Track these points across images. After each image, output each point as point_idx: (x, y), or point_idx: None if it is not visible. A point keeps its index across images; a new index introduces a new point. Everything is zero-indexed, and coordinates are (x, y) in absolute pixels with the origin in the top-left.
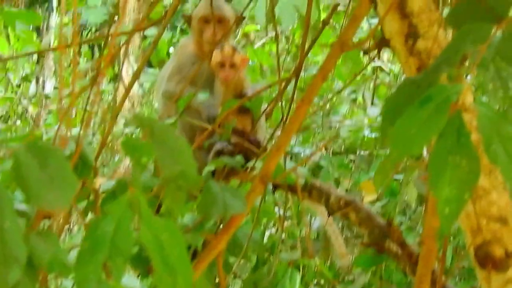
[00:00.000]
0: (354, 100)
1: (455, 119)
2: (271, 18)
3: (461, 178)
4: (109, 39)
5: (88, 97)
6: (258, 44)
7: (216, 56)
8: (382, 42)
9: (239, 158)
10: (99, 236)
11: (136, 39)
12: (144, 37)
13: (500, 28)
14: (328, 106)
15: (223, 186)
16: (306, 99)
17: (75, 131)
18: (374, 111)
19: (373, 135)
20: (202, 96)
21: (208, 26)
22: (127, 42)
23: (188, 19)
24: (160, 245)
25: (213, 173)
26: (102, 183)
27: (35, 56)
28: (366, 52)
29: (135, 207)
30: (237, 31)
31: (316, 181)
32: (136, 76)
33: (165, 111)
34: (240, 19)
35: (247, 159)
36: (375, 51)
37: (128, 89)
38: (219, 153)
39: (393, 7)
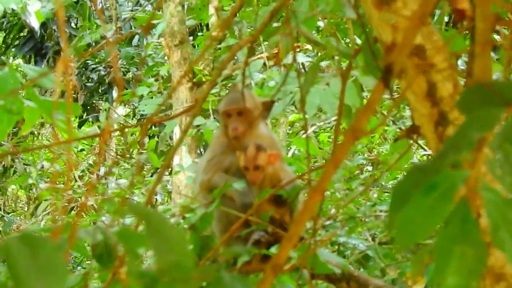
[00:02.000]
0: None
1: (460, 207)
2: (302, 107)
3: (467, 267)
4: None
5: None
6: (309, 132)
7: (241, 161)
8: (412, 129)
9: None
10: None
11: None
12: (197, 127)
13: (509, 113)
14: (375, 195)
15: (234, 276)
16: (318, 188)
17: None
18: None
19: None
20: (238, 185)
21: (230, 120)
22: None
23: (217, 113)
24: None
25: (249, 262)
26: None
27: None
28: (396, 140)
29: None
30: (282, 120)
31: (354, 270)
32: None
33: (203, 202)
34: (269, 105)
35: None
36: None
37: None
38: (257, 243)
39: (422, 94)
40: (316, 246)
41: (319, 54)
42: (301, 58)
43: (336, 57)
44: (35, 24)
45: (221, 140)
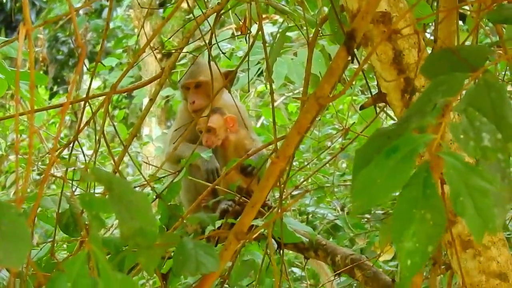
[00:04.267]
0: None
1: (422, 171)
2: (268, 74)
3: (425, 232)
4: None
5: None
6: (277, 103)
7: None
8: (378, 97)
9: None
10: None
11: (158, 100)
12: (166, 97)
13: (473, 78)
14: (344, 165)
15: (197, 243)
16: (281, 155)
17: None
18: None
19: None
20: (205, 155)
21: (189, 93)
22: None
23: (179, 87)
24: None
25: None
26: None
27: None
28: (362, 108)
29: (93, 263)
30: (250, 91)
31: (322, 239)
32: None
33: (170, 171)
34: (232, 75)
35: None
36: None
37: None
38: (225, 213)
39: (388, 62)
40: (281, 212)
41: (287, 24)
42: (269, 28)
43: (303, 27)
44: None
45: (186, 112)
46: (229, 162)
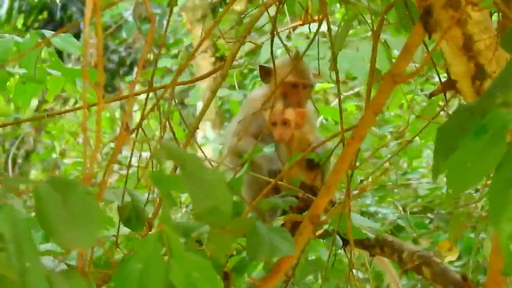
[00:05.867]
0: None
1: None
2: (334, 67)
3: None
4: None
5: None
6: (334, 103)
7: (268, 117)
8: (448, 84)
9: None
10: (127, 276)
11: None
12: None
13: None
14: (405, 164)
15: (271, 228)
16: (356, 136)
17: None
18: None
19: None
20: (267, 150)
21: (294, 91)
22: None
23: (266, 72)
24: (192, 285)
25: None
26: None
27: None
28: (432, 95)
29: (165, 243)
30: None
31: (388, 236)
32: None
33: (231, 166)
34: (297, 62)
35: None
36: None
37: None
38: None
39: (458, 47)
40: (349, 210)
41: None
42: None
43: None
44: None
45: (258, 103)
46: (292, 156)
